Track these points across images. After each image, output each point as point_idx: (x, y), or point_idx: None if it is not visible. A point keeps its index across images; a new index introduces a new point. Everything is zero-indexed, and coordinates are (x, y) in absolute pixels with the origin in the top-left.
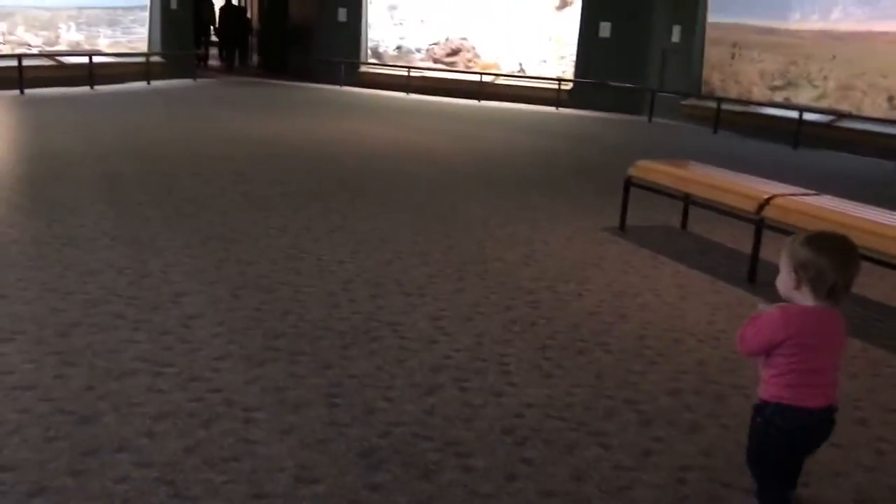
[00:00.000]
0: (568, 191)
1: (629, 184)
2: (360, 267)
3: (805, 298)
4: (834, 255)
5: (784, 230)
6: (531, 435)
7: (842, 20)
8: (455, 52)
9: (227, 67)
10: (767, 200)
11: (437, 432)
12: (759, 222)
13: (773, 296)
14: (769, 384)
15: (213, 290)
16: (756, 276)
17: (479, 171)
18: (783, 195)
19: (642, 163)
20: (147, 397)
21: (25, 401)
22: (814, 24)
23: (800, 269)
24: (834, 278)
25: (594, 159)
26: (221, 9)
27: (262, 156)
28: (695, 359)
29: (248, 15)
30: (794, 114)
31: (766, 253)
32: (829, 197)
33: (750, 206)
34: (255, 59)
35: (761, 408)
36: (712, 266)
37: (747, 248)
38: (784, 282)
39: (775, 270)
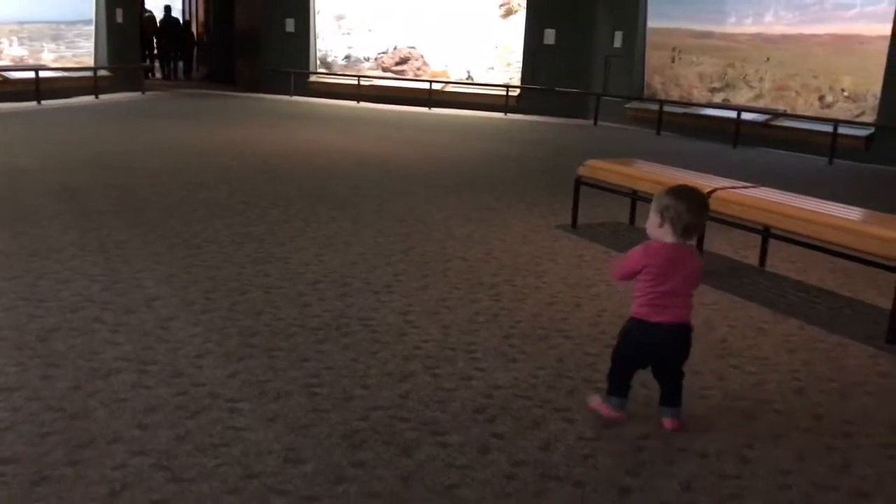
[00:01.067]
0: (521, 192)
1: (579, 183)
2: (327, 268)
3: (666, 236)
4: (689, 201)
5: (727, 221)
6: (500, 413)
7: (774, 23)
8: (404, 61)
9: (167, 78)
10: (710, 193)
11: (413, 414)
12: None
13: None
14: (634, 303)
15: (186, 294)
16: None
17: (434, 175)
18: (724, 188)
19: (591, 162)
20: (134, 393)
21: (15, 400)
22: (748, 27)
23: (663, 210)
24: (688, 219)
25: (544, 161)
26: (161, 22)
27: (219, 166)
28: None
29: (193, 27)
30: (732, 114)
31: (710, 244)
32: (766, 189)
33: None
34: (201, 70)
35: (628, 320)
36: None
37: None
38: (651, 223)
39: (719, 261)
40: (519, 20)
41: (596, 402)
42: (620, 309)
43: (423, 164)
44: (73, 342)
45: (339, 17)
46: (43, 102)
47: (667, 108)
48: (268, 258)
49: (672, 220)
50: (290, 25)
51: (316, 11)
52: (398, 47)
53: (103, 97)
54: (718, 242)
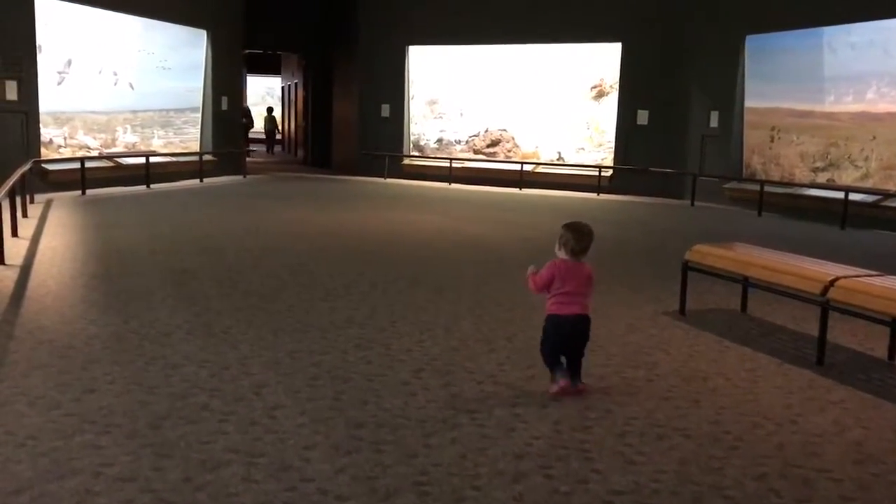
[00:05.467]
0: (621, 275)
1: (687, 268)
2: (428, 355)
3: (563, 255)
4: (575, 232)
5: (850, 312)
6: None
7: (878, 101)
8: (495, 143)
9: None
10: (832, 282)
11: None
12: (825, 304)
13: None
14: (548, 304)
15: (292, 381)
16: (824, 359)
17: (530, 257)
18: (847, 277)
19: (699, 247)
20: (243, 488)
21: (129, 492)
22: (851, 105)
23: (560, 239)
24: (573, 244)
25: (642, 243)
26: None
27: (319, 248)
28: (775, 443)
29: (293, 113)
30: (838, 194)
31: (833, 335)
32: (892, 277)
33: (814, 289)
34: (300, 153)
35: (546, 318)
36: (778, 349)
37: (811, 329)
38: (556, 247)
39: (842, 353)
40: (610, 102)
41: (551, 388)
42: (741, 406)
43: (518, 246)
44: (183, 430)
45: (432, 102)
46: (152, 186)
47: (767, 189)
48: (370, 344)
49: (565, 245)
50: (385, 111)
51: (410, 97)
52: (489, 130)
53: (207, 181)
54: (840, 333)
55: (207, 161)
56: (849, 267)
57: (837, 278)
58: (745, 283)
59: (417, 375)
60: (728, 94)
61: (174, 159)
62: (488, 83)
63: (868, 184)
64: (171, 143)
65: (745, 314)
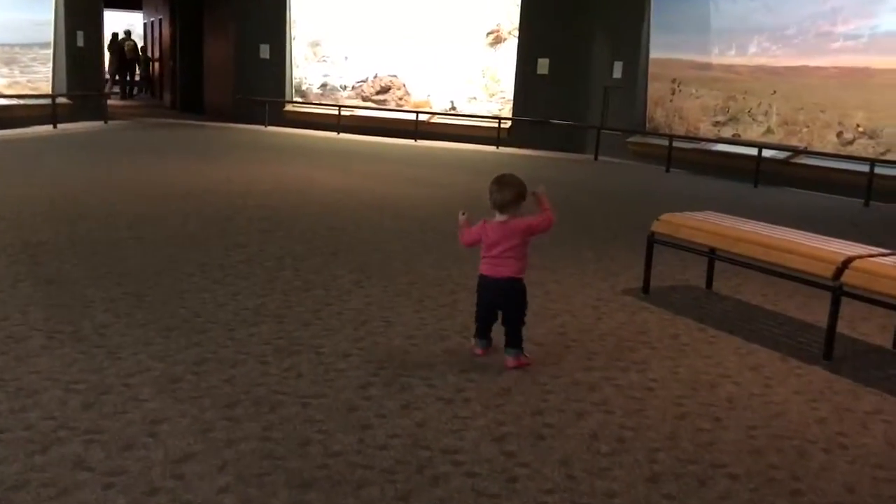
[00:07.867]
0: (559, 244)
1: (653, 241)
2: (372, 361)
3: (495, 213)
4: (495, 183)
5: (866, 298)
6: None
7: (776, 55)
8: (385, 90)
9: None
10: (845, 264)
11: None
12: (838, 290)
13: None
14: (480, 264)
15: (199, 412)
16: (833, 353)
17: (452, 222)
18: (861, 257)
19: (668, 217)
20: None
21: None
22: (749, 58)
23: (490, 195)
24: (496, 197)
25: (566, 204)
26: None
27: (204, 211)
28: (840, 481)
29: (157, 52)
30: (747, 150)
31: (802, 314)
32: None
33: (824, 271)
34: (166, 97)
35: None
36: (771, 338)
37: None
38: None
39: (854, 344)
40: (508, 49)
41: (470, 344)
42: (771, 423)
43: (434, 208)
44: None
45: (315, 44)
46: None
47: (675, 144)
48: (293, 346)
49: (490, 200)
50: (264, 52)
51: (292, 37)
52: (378, 76)
53: (62, 127)
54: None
55: (62, 104)
56: (860, 245)
57: (851, 259)
58: (712, 256)
59: (365, 395)
60: (633, 43)
61: (21, 102)
62: (376, 25)
63: (773, 140)
64: (16, 82)
65: (713, 292)
